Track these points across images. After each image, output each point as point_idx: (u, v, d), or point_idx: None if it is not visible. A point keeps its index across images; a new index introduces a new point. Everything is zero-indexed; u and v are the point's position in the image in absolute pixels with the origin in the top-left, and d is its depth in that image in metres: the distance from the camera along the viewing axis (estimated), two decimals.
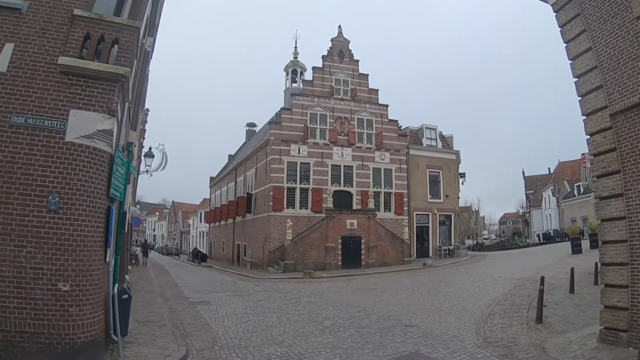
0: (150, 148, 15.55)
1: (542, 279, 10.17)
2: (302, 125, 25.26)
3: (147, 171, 15.35)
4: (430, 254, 27.83)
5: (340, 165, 25.83)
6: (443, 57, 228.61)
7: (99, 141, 5.77)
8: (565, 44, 7.70)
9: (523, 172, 67.59)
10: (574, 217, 39.97)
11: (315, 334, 7.97)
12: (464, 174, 33.70)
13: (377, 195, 26.18)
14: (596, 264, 12.77)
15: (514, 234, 65.31)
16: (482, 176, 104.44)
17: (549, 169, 63.45)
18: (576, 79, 7.50)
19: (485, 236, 75.76)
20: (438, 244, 28.79)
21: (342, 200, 24.78)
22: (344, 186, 25.76)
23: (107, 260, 6.23)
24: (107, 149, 5.93)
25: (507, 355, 6.40)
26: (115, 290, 6.27)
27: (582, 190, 39.33)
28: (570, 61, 7.60)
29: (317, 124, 25.81)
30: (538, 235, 42.74)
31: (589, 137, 7.26)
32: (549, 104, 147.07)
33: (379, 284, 15.63)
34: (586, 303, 9.86)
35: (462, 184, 33.61)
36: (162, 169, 15.55)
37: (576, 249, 19.41)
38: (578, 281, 11.72)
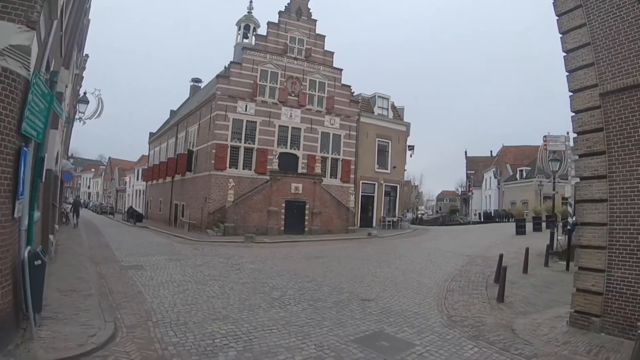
0: (85, 93, 14.47)
1: (501, 257, 10.36)
2: (252, 82, 24.18)
3: (80, 118, 14.30)
4: (374, 224, 28.45)
5: (288, 127, 25.22)
6: (409, 29, 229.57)
7: (10, 59, 4.33)
8: (557, 17, 7.36)
9: (466, 152, 70.77)
10: (514, 199, 42.82)
11: (263, 308, 7.20)
12: (413, 146, 34.28)
13: (324, 160, 26.00)
14: (547, 246, 13.43)
15: (452, 211, 69.22)
16: (425, 152, 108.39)
17: (491, 151, 67.06)
18: (565, 54, 7.20)
19: (423, 211, 79.47)
20: (382, 215, 29.44)
21: (288, 163, 24.32)
22: (291, 149, 25.24)
23: (16, 216, 4.84)
24: (22, 71, 4.49)
25: (478, 337, 6.09)
26: (26, 254, 4.94)
27: (524, 174, 42.03)
28: (561, 35, 7.29)
29: (267, 82, 24.82)
30: (479, 214, 45.30)
31: (574, 114, 7.00)
32: (499, 91, 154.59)
33: (326, 252, 15.23)
34: (541, 284, 10.09)
35: (411, 156, 34.28)
36: (97, 117, 14.43)
37: (520, 230, 20.46)
38: (528, 262, 12.04)
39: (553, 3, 7.46)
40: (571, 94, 7.05)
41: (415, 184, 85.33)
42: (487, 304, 8.20)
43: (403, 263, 13.14)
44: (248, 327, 6.05)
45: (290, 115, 25.29)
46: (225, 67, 26.33)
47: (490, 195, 52.64)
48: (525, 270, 11.41)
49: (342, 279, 10.25)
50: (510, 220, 34.86)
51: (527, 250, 11.64)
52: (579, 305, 6.53)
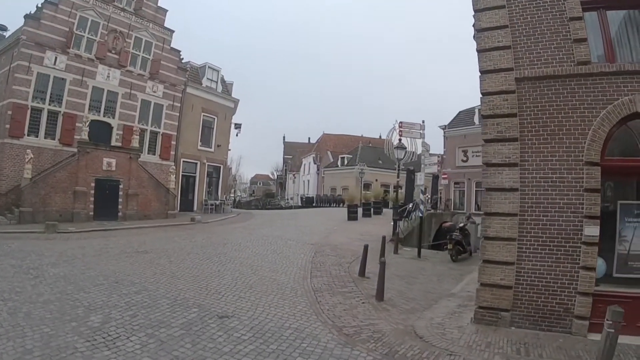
0: None
1: (366, 249, 9.66)
2: (67, 30, 18.96)
3: None
4: (195, 208, 25.98)
5: (103, 90, 20.52)
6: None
7: None
8: None
9: (284, 137, 73.58)
10: (334, 185, 45.83)
11: (81, 352, 4.33)
12: (240, 125, 32.58)
13: (142, 133, 21.86)
14: (397, 233, 13.68)
15: (267, 195, 70.81)
16: (244, 134, 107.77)
17: (309, 138, 71.25)
18: (477, 32, 6.82)
19: (238, 194, 79.09)
20: (204, 198, 27.05)
21: (100, 134, 19.63)
22: (104, 116, 20.57)
23: None
24: None
25: (390, 355, 4.92)
26: None
27: (346, 162, 45.38)
28: (475, 12, 6.89)
29: (85, 32, 19.80)
30: (301, 198, 46.81)
31: (484, 95, 6.57)
32: (323, 81, 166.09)
33: (149, 244, 12.05)
34: (405, 274, 9.85)
35: (237, 135, 32.49)
36: None
37: (352, 216, 21.12)
38: (375, 249, 11.85)
39: None
40: (482, 74, 6.62)
41: (230, 167, 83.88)
42: (368, 304, 7.23)
43: (246, 256, 11.20)
44: None
45: (108, 76, 20.65)
46: (37, 6, 19.43)
47: (308, 180, 55.44)
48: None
49: (181, 284, 7.71)
50: (333, 205, 37.10)
51: (383, 238, 11.35)
52: (486, 300, 6.12)
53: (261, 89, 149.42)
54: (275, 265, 10.06)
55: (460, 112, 33.41)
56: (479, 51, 6.62)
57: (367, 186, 38.11)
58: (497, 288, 6.01)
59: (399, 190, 16.61)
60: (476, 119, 31.06)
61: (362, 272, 9.34)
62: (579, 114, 5.99)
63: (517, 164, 6.09)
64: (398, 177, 15.75)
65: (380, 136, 61.28)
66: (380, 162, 45.69)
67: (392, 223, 15.72)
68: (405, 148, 15.71)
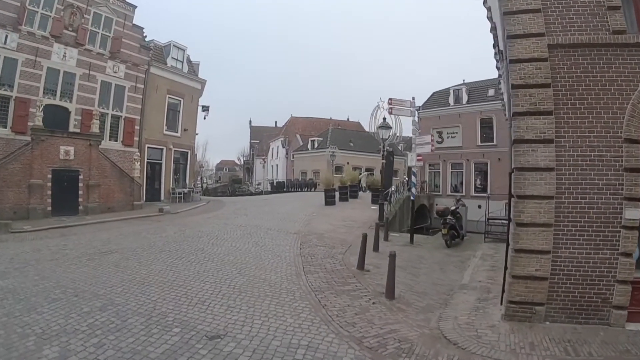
0: None
1: (365, 238, 8.77)
2: (19, 5, 16.77)
3: None
4: (163, 197, 24.26)
5: (59, 71, 18.25)
6: None
7: None
8: None
9: (250, 121, 71.30)
10: (304, 169, 44.56)
11: None
12: (208, 107, 30.61)
13: (103, 118, 19.77)
14: (387, 219, 12.82)
15: (234, 181, 68.82)
16: (209, 119, 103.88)
17: (275, 122, 69.39)
18: None
19: (205, 181, 76.63)
20: (171, 186, 25.30)
21: (56, 119, 17.50)
22: (61, 100, 18.34)
23: None
24: None
25: None
26: None
27: (316, 145, 44.08)
28: None
29: (39, 7, 17.47)
30: (271, 183, 45.29)
31: (513, 62, 5.67)
32: (290, 64, 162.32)
33: (115, 243, 10.58)
34: (405, 264, 9.03)
35: (205, 118, 30.56)
36: None
37: (330, 201, 20.10)
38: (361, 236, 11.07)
39: None
40: (509, 38, 5.73)
41: (195, 153, 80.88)
42: (380, 304, 6.33)
43: (226, 251, 9.98)
44: None
45: (64, 56, 18.40)
46: None
47: (277, 165, 53.90)
48: (376, 248, 10.23)
49: (156, 293, 6.48)
50: (305, 189, 36.02)
51: (377, 226, 10.53)
52: (519, 294, 5.40)
53: (224, 71, 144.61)
54: (261, 262, 8.93)
55: (434, 93, 32.96)
56: (505, 13, 5.74)
57: (338, 169, 37.20)
58: (532, 280, 5.30)
59: (383, 173, 15.70)
60: (451, 100, 30.72)
61: (360, 265, 8.40)
62: (616, 86, 5.33)
63: (552, 140, 5.31)
64: (383, 158, 14.85)
65: (348, 118, 60.62)
66: (351, 144, 44.85)
67: (378, 207, 14.92)
68: (391, 128, 14.77)
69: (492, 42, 9.47)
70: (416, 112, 13.35)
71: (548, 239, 5.22)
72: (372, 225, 14.34)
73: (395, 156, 31.01)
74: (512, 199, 5.48)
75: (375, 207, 16.67)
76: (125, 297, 6.16)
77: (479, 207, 25.47)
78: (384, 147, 14.47)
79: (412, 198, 12.32)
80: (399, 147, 45.92)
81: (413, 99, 12.83)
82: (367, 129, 35.92)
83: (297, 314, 5.75)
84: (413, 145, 12.63)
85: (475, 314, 5.79)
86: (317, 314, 5.75)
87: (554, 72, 5.43)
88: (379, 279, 7.65)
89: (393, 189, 18.18)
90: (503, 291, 5.84)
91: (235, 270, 8.11)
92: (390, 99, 12.19)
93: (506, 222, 12.02)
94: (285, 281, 7.41)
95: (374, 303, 6.33)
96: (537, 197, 5.25)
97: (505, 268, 5.78)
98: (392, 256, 6.81)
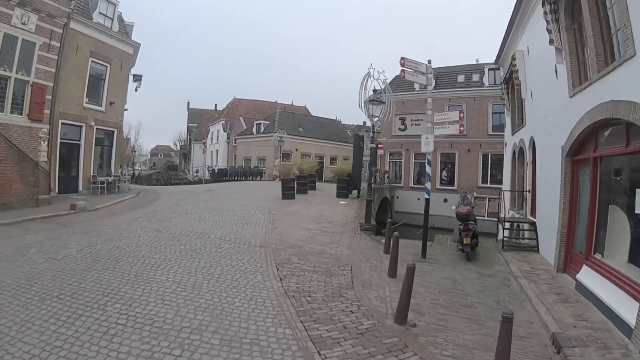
0: None
1: (411, 271, 5.80)
2: None
3: None
4: (81, 188, 19.50)
5: None
6: None
7: None
8: None
9: (188, 103, 65.60)
10: (248, 155, 40.50)
11: None
12: (141, 76, 25.54)
13: (2, 82, 14.79)
14: (390, 223, 10.02)
15: (169, 167, 63.27)
16: (146, 98, 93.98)
17: (215, 105, 64.22)
18: None
19: (137, 168, 70.11)
20: (93, 173, 20.47)
21: None
22: None
23: None
24: None
25: None
26: None
27: (262, 129, 40.15)
28: None
29: None
30: (211, 170, 40.60)
31: None
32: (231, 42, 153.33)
33: None
34: (443, 300, 6.18)
35: (137, 90, 25.51)
36: None
37: (288, 194, 16.68)
38: (352, 247, 8.18)
39: None
40: None
41: (128, 137, 73.28)
42: None
43: (155, 297, 5.79)
44: None
45: None
46: None
47: (218, 150, 49.18)
48: (392, 273, 7.26)
49: None
50: (250, 178, 32.38)
51: (362, 229, 7.54)
52: None
53: (160, 44, 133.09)
54: (222, 323, 4.95)
55: (396, 77, 30.67)
56: None
57: (286, 156, 34.17)
58: None
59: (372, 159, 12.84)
60: (416, 85, 28.64)
61: (402, 316, 5.29)
62: None
63: None
64: (372, 142, 11.92)
65: (292, 102, 57.23)
66: (300, 129, 41.65)
67: (347, 202, 12.15)
68: (384, 102, 11.83)
69: None
70: (432, 80, 10.44)
71: None
72: (354, 228, 11.65)
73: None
74: None
75: (345, 202, 13.83)
76: None
77: (445, 200, 23.92)
78: (373, 127, 11.55)
79: (426, 196, 9.37)
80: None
81: (429, 61, 9.95)
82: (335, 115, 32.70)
83: None
84: (428, 124, 9.65)
85: None
86: None
87: None
88: (440, 341, 4.74)
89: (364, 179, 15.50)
90: None
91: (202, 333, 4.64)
92: (402, 58, 9.08)
93: (530, 226, 9.91)
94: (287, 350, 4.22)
95: None
96: None
97: None
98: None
